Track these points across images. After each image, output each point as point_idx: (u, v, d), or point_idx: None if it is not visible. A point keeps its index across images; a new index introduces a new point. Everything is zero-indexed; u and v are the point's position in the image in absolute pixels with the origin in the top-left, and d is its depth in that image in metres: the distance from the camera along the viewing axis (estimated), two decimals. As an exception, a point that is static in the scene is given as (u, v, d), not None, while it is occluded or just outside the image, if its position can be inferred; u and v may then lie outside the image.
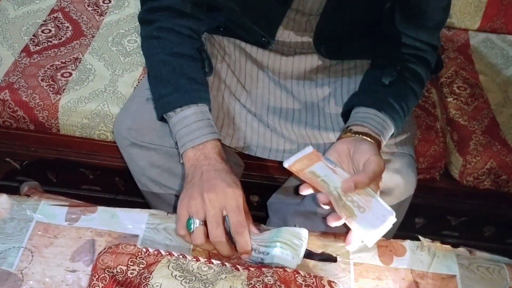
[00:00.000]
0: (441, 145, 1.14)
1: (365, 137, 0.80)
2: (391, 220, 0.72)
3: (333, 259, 0.77)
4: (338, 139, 0.84)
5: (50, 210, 0.80)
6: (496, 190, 1.14)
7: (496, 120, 1.17)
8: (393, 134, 0.87)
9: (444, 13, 0.90)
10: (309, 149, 0.80)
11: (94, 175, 1.25)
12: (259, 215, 1.19)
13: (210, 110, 0.84)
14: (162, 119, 0.86)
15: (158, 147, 0.89)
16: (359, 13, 0.90)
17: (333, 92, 0.97)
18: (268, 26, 0.95)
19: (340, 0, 0.87)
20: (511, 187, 1.13)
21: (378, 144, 0.80)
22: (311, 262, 0.77)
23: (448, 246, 0.83)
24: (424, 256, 0.80)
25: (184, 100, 0.82)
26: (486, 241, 1.29)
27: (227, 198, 0.74)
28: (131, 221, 0.80)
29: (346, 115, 0.89)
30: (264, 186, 1.10)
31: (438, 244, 0.83)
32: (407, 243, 0.81)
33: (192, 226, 0.75)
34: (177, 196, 0.93)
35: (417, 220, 1.27)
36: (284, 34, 0.96)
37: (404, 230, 1.01)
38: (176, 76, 0.84)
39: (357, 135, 0.81)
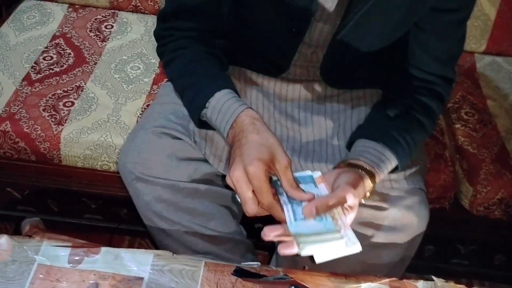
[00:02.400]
0: (451, 174, 1.12)
1: (357, 169, 0.79)
2: (355, 248, 0.70)
3: (345, 302, 0.75)
4: (334, 168, 0.83)
5: (53, 252, 0.78)
6: (507, 220, 1.12)
7: (506, 148, 1.15)
8: (397, 168, 0.85)
9: (459, 45, 0.88)
10: (317, 174, 0.79)
11: (96, 204, 1.23)
12: (265, 245, 1.17)
13: (235, 90, 0.85)
14: (202, 126, 0.87)
15: (164, 181, 0.87)
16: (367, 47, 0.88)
17: (342, 123, 0.95)
18: (281, 57, 0.94)
19: (348, 33, 0.85)
20: (522, 217, 1.11)
21: (372, 176, 0.79)
22: (322, 305, 0.74)
23: (462, 286, 0.80)
24: (438, 297, 0.78)
25: (208, 94, 0.83)
26: (496, 269, 1.27)
27: (249, 179, 0.72)
28: (136, 262, 0.77)
29: (350, 147, 0.88)
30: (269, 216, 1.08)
31: (452, 284, 0.80)
32: (420, 284, 0.79)
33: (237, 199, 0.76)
34: (184, 232, 0.91)
35: (426, 248, 1.25)
36: (290, 65, 0.95)
37: (413, 258, 0.99)
38: (195, 80, 0.87)
39: (349, 167, 0.80)
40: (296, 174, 0.78)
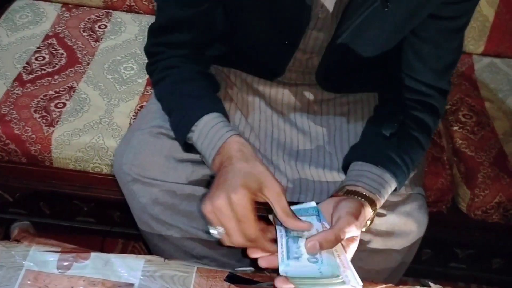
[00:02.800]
0: (449, 178, 1.10)
1: (356, 196, 0.74)
2: None
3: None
4: (331, 196, 0.78)
5: (41, 257, 0.76)
6: (505, 224, 1.10)
7: (504, 150, 1.13)
8: (395, 189, 0.81)
9: (455, 54, 0.85)
10: (312, 204, 0.73)
11: (88, 207, 1.21)
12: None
13: (224, 114, 0.81)
14: (189, 149, 0.83)
15: (162, 183, 0.85)
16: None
17: (339, 127, 0.94)
18: (275, 64, 0.92)
19: (344, 41, 0.83)
20: (520, 220, 1.09)
21: (372, 203, 0.74)
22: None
23: (459, 292, 0.79)
24: (435, 303, 0.76)
25: (195, 116, 0.79)
26: (494, 273, 1.25)
27: (233, 208, 0.67)
28: (126, 268, 0.76)
29: (346, 168, 0.83)
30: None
31: (449, 289, 0.79)
32: (417, 290, 0.78)
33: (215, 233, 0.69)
34: (180, 236, 0.89)
35: (424, 252, 1.23)
36: (285, 71, 0.93)
37: (410, 263, 0.97)
38: (183, 100, 0.83)
39: (348, 194, 0.75)
40: (298, 207, 0.73)
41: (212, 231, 0.70)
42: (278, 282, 0.66)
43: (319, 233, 0.66)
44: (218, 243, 0.73)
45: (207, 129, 0.78)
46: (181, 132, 0.82)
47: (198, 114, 0.79)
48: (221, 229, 0.69)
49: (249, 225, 0.67)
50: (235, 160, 0.72)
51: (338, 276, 0.63)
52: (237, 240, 0.68)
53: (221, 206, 0.67)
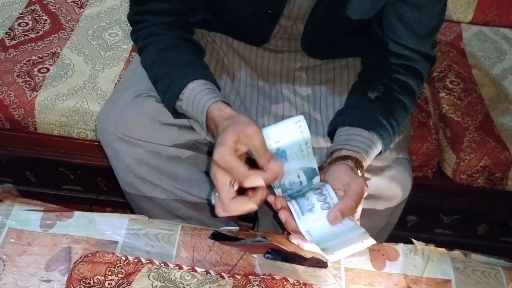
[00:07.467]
0: (434, 142, 1.11)
1: (342, 161, 0.75)
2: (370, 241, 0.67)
3: (323, 265, 0.74)
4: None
5: (24, 216, 0.76)
6: (490, 188, 1.11)
7: (490, 116, 1.14)
8: (381, 152, 0.81)
9: (438, 18, 0.84)
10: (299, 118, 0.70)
11: (74, 174, 1.20)
12: (249, 215, 1.16)
13: (209, 78, 0.80)
14: (179, 116, 0.83)
15: (147, 144, 0.85)
16: (347, 18, 0.85)
17: (324, 94, 0.93)
18: (259, 33, 0.91)
19: (328, 7, 0.82)
20: (505, 184, 1.10)
21: (357, 162, 0.75)
22: (300, 268, 0.73)
23: (443, 249, 0.80)
24: (418, 260, 0.77)
25: (181, 85, 0.79)
26: (479, 239, 1.26)
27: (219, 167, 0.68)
28: (110, 226, 0.76)
29: (332, 133, 0.83)
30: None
31: (432, 247, 0.80)
32: (400, 247, 0.78)
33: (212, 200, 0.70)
34: (165, 196, 0.88)
35: (409, 219, 1.24)
36: (270, 38, 0.93)
37: (395, 229, 0.98)
38: (168, 69, 0.82)
39: (336, 161, 0.75)
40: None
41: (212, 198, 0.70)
42: (293, 237, 0.68)
43: (338, 204, 0.67)
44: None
45: (193, 97, 0.78)
46: (169, 101, 0.81)
47: (183, 82, 0.79)
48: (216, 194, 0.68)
49: (236, 169, 0.66)
50: (220, 129, 0.71)
51: (359, 228, 0.65)
52: (223, 207, 0.68)
53: (211, 174, 0.68)
